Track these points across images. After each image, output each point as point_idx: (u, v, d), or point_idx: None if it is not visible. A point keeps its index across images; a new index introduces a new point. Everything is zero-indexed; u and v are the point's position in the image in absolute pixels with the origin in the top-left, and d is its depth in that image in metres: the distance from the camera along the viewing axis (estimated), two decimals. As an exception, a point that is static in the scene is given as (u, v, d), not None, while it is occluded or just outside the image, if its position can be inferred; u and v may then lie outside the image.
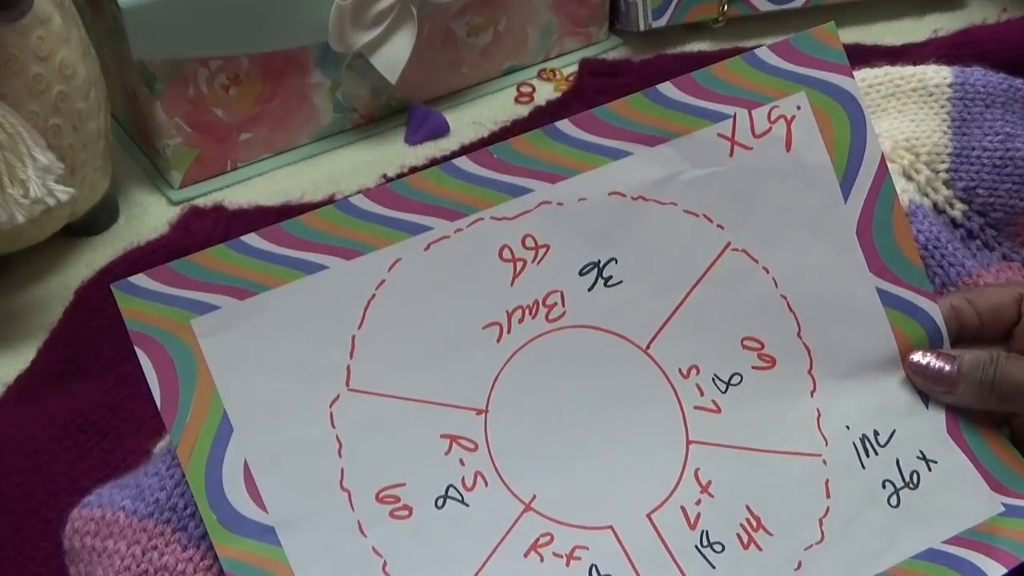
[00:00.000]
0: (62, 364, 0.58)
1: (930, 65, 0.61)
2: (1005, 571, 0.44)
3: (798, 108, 0.47)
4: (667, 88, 0.46)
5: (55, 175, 0.57)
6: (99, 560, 0.43)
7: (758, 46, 0.47)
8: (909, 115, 0.59)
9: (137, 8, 0.62)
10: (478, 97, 0.77)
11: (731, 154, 0.46)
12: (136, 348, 0.42)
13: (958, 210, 0.57)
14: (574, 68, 0.79)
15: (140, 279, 0.42)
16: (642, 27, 0.78)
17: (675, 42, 0.81)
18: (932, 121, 0.59)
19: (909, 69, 0.61)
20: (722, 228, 0.46)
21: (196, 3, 0.63)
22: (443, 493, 0.44)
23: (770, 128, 0.47)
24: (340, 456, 0.43)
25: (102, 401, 0.56)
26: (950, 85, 0.60)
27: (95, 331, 0.58)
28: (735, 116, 0.46)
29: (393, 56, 0.69)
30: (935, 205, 0.57)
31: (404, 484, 0.43)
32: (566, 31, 0.79)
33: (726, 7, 0.79)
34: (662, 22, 0.78)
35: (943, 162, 0.58)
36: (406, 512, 0.43)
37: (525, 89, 0.78)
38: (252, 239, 0.43)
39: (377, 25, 0.67)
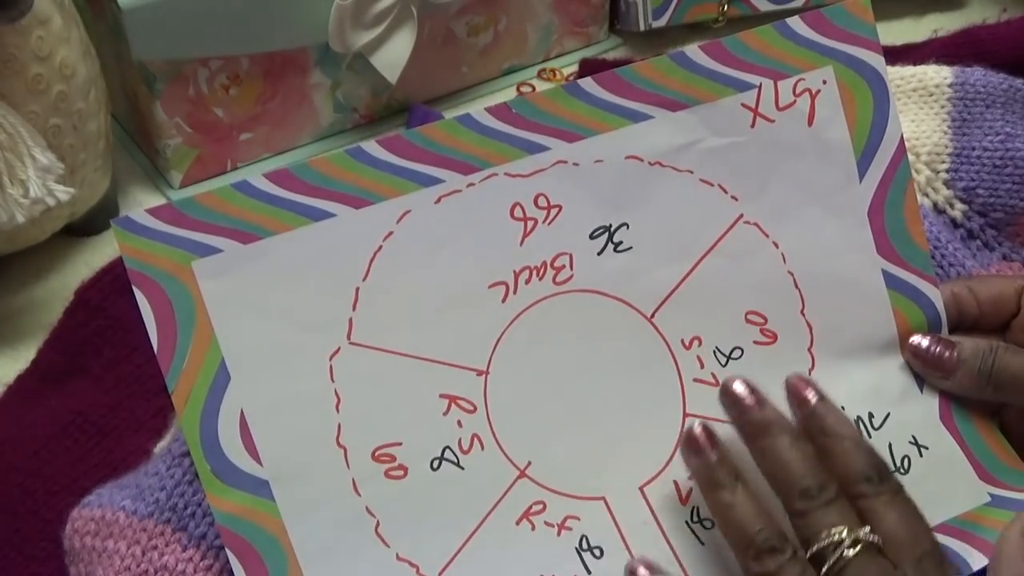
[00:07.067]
0: (62, 364, 0.58)
1: (930, 65, 0.61)
2: (987, 562, 0.44)
3: (824, 83, 0.46)
4: (695, 53, 0.45)
5: (55, 175, 0.57)
6: (99, 560, 0.43)
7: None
8: (909, 115, 0.59)
9: (137, 8, 0.62)
10: (478, 97, 0.77)
11: (753, 125, 0.46)
12: (134, 289, 0.40)
13: (958, 210, 0.57)
14: (574, 68, 0.79)
15: (141, 216, 0.41)
16: (642, 27, 0.78)
17: (675, 42, 0.81)
18: (932, 121, 0.59)
19: (909, 69, 0.61)
20: (736, 200, 0.46)
21: (196, 3, 0.63)
22: (439, 455, 0.43)
23: (794, 101, 0.46)
24: (338, 411, 0.42)
25: (102, 401, 0.56)
26: (950, 85, 0.60)
27: (95, 331, 0.58)
28: (760, 87, 0.46)
29: (393, 56, 0.69)
30: (935, 205, 0.57)
31: (400, 443, 0.43)
32: (566, 31, 0.79)
33: (726, 7, 0.79)
34: (662, 22, 0.78)
35: (943, 162, 0.58)
36: (401, 472, 0.43)
37: (525, 89, 0.78)
38: (259, 181, 0.42)
39: (377, 25, 0.67)
